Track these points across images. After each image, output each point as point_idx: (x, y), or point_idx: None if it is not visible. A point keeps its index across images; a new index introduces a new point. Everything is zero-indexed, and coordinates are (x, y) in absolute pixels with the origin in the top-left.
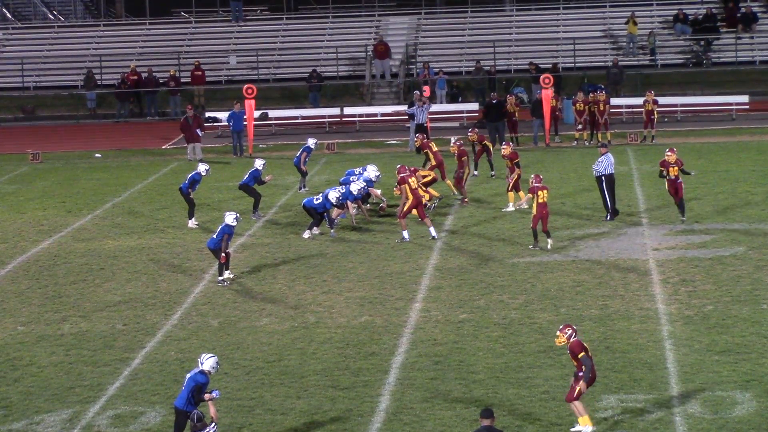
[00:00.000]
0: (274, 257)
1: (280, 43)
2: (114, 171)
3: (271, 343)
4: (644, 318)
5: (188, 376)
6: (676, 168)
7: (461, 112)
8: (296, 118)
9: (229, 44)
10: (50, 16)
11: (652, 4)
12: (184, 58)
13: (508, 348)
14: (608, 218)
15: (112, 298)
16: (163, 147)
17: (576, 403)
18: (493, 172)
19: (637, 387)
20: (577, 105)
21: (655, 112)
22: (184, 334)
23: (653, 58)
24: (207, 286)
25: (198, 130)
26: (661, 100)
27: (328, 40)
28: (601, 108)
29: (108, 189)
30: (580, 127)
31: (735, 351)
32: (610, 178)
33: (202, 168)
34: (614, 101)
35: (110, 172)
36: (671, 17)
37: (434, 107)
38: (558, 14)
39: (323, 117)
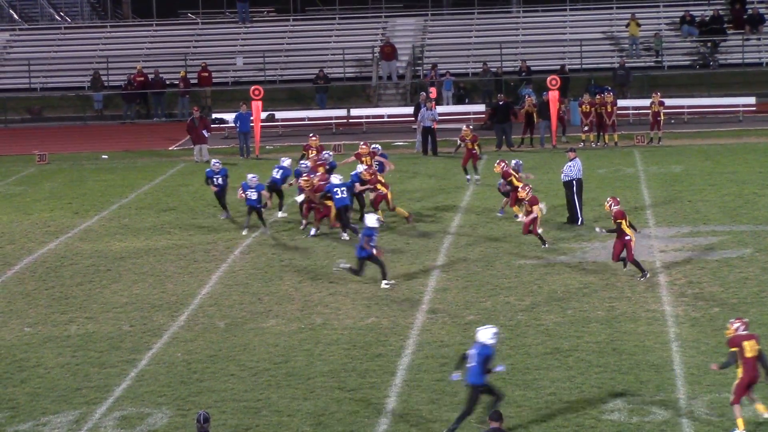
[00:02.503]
0: (280, 258)
1: (287, 44)
2: (121, 172)
3: (278, 345)
4: (651, 320)
5: (473, 351)
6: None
7: (468, 113)
8: (303, 119)
9: (236, 45)
10: (57, 18)
11: (658, 6)
12: (190, 60)
13: (514, 350)
14: (579, 223)
15: (118, 300)
16: (170, 148)
17: (736, 405)
18: (477, 176)
19: (643, 389)
20: (583, 106)
21: (662, 114)
22: (191, 335)
23: (659, 59)
24: (214, 288)
25: (204, 132)
26: (668, 101)
27: (334, 42)
28: (609, 110)
29: (115, 190)
30: (586, 128)
31: None
32: (580, 183)
33: (286, 162)
34: (621, 102)
35: (117, 174)
36: (678, 19)
37: (441, 108)
38: (565, 15)
39: (330, 118)
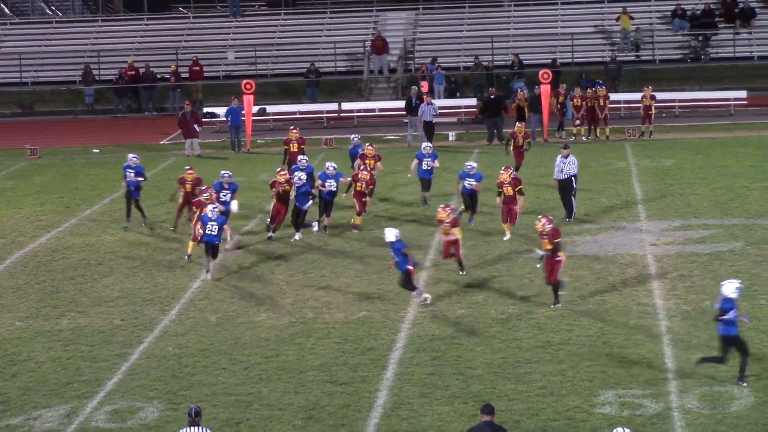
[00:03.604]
0: (272, 253)
1: (278, 38)
2: (112, 166)
3: (269, 339)
4: (642, 313)
5: (718, 306)
6: (546, 241)
7: (459, 107)
8: (294, 113)
9: (227, 40)
10: (48, 12)
11: (650, 0)
12: (182, 54)
13: (506, 343)
14: (572, 218)
15: (109, 294)
16: (161, 142)
17: None
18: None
19: (635, 382)
20: (575, 100)
21: (653, 108)
22: (182, 329)
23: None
24: (205, 282)
25: (196, 126)
26: (659, 95)
27: (326, 36)
28: (602, 103)
29: (106, 184)
30: (577, 122)
31: None
32: (575, 179)
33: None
34: (612, 96)
35: (108, 168)
36: (669, 13)
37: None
38: (556, 9)
39: (321, 112)
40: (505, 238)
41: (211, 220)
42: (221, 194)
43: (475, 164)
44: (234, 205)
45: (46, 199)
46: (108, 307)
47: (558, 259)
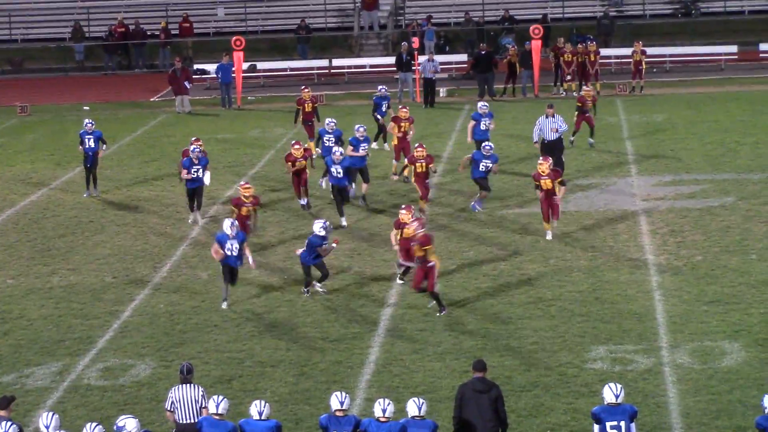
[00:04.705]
0: (263, 210)
1: None
2: (102, 123)
3: (261, 295)
4: (633, 269)
5: None
6: (417, 247)
7: (450, 63)
8: (285, 69)
9: None
10: None
11: None
12: (171, 10)
13: (497, 299)
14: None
15: (101, 251)
16: (152, 99)
17: None
18: (592, 140)
19: (626, 338)
20: (566, 56)
21: (644, 63)
22: (174, 286)
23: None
24: (196, 239)
25: (186, 83)
26: (650, 50)
27: None
28: (592, 59)
29: None
30: (568, 77)
31: (724, 301)
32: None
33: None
34: (603, 52)
35: (99, 125)
36: None
37: (423, 59)
38: None
39: (312, 69)
40: (547, 237)
41: (229, 238)
42: (192, 169)
43: (492, 144)
44: (206, 178)
45: (36, 157)
46: (99, 264)
47: (431, 264)
